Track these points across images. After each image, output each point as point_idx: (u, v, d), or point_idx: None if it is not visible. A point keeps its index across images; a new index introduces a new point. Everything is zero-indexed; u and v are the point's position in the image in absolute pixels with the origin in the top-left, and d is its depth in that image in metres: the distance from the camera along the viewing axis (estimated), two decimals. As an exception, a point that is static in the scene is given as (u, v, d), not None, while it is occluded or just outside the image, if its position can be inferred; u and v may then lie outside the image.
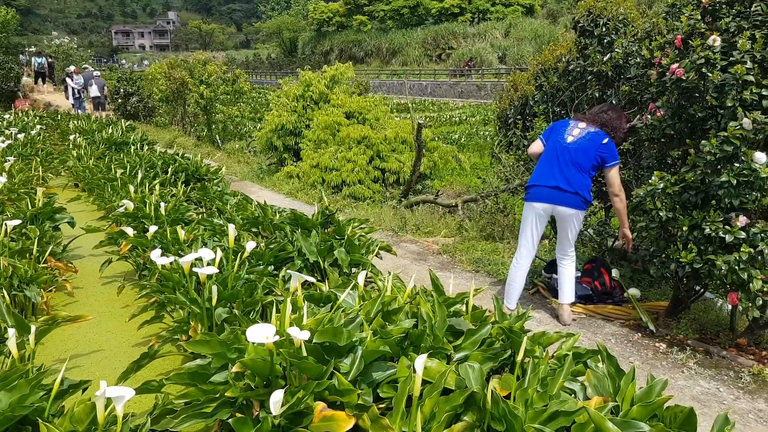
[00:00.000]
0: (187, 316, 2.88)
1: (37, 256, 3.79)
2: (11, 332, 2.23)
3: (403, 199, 7.37)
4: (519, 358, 2.02)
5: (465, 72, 34.20)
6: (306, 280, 2.61)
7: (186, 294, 2.87)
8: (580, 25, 4.39)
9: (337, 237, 3.89)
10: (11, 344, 2.22)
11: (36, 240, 3.88)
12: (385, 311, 2.46)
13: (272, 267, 3.56)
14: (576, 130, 3.58)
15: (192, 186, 6.20)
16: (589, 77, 4.38)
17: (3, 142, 8.32)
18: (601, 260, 4.04)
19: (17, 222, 4.00)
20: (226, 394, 1.91)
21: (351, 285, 2.66)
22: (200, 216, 4.80)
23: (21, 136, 9.60)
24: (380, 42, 45.69)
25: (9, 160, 6.97)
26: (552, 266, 4.10)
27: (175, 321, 2.95)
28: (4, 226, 3.98)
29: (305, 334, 1.95)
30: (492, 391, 1.85)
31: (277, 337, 1.89)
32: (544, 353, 2.24)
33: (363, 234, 4.11)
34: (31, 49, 24.42)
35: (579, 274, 3.99)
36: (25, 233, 4.20)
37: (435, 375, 2.02)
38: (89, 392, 2.29)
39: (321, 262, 3.62)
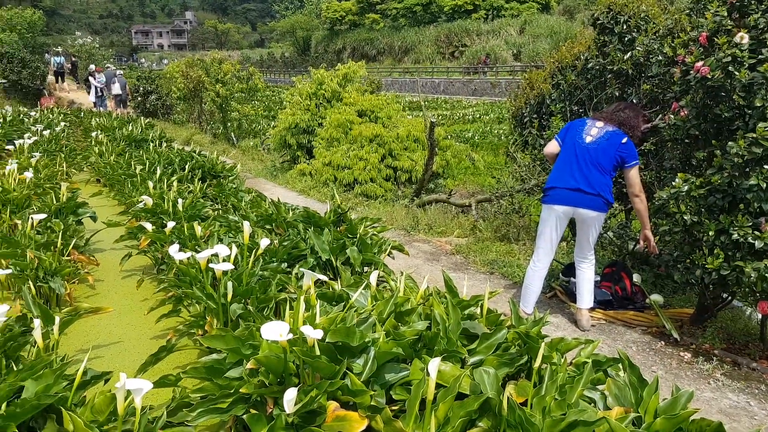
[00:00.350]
0: (203, 311, 2.87)
1: (61, 249, 3.84)
2: (37, 323, 2.24)
3: (415, 198, 7.31)
4: (536, 364, 1.95)
5: (479, 69, 33.93)
6: (319, 279, 2.57)
7: (202, 289, 2.85)
8: (599, 22, 4.29)
9: (350, 235, 3.84)
10: (37, 334, 2.23)
11: (60, 233, 3.92)
12: (398, 312, 2.40)
13: (285, 264, 3.52)
14: (594, 130, 3.49)
15: (208, 183, 6.20)
16: (609, 75, 4.28)
17: (29, 138, 8.42)
18: (621, 264, 3.94)
19: (43, 216, 4.04)
20: (240, 390, 1.89)
21: (363, 284, 2.62)
22: (216, 212, 4.79)
23: (46, 132, 9.71)
24: (393, 40, 45.54)
25: (35, 156, 7.04)
26: (570, 269, 4.01)
27: (192, 315, 2.95)
28: (30, 219, 4.02)
29: (318, 333, 1.91)
30: (508, 397, 1.79)
31: (290, 335, 1.86)
32: (562, 360, 2.16)
33: (375, 233, 4.06)
34: (57, 49, 24.75)
35: (598, 279, 3.88)
36: (50, 227, 4.24)
37: (449, 379, 1.96)
38: (110, 383, 2.28)
39: (333, 261, 3.58)
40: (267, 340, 1.96)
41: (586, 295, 3.52)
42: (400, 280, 2.65)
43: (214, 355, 2.27)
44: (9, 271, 3.24)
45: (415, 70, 39.11)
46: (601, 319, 3.66)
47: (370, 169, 8.08)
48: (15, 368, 2.10)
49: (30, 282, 3.21)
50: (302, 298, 2.17)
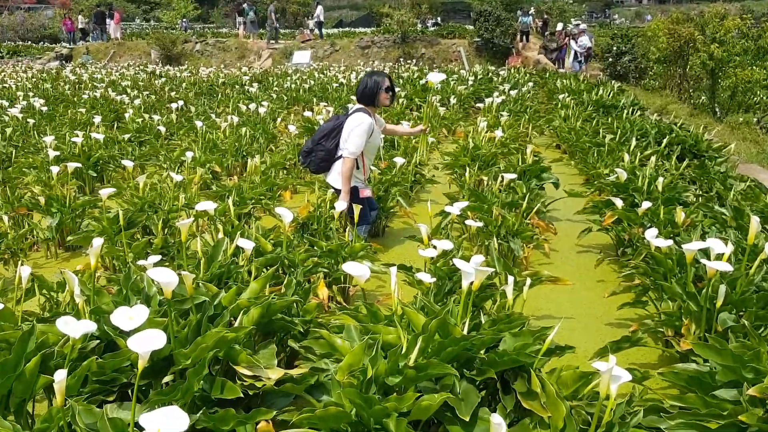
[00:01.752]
0: (679, 311, 2.82)
1: (524, 211, 4.35)
2: (510, 280, 2.64)
3: None
4: None
5: None
6: None
7: (683, 286, 2.79)
8: None
9: None
10: (508, 291, 2.64)
11: (525, 196, 4.46)
12: None
13: (794, 280, 3.10)
14: None
15: (687, 162, 5.93)
16: None
17: (498, 97, 9.86)
18: None
19: (513, 176, 4.67)
20: (739, 417, 1.79)
21: None
22: (698, 199, 4.57)
23: (513, 92, 11.15)
24: None
25: (503, 116, 8.22)
26: None
27: (663, 312, 2.94)
28: (501, 178, 4.72)
29: None
30: None
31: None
32: None
33: None
34: (530, 11, 27.55)
35: None
36: (513, 187, 4.88)
37: None
38: (565, 358, 2.51)
39: None
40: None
41: None
42: None
43: (694, 366, 2.23)
44: (480, 224, 3.88)
45: None
46: None
47: None
48: (480, 317, 2.51)
49: (495, 238, 3.81)
50: None
